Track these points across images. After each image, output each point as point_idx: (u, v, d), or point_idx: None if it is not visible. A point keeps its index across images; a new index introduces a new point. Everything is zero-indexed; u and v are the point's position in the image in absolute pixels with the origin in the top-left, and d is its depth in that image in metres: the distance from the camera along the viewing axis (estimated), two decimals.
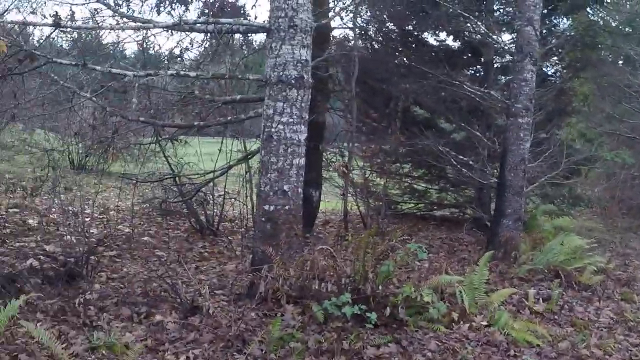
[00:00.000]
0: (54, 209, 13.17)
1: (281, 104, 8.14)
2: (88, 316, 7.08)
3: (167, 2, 12.48)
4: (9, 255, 9.38)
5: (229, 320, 6.88)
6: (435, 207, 17.03)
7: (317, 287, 7.36)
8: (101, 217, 13.62)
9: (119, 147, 13.93)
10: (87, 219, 11.90)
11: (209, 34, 10.68)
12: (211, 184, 12.66)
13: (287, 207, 8.25)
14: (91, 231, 11.45)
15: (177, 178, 12.80)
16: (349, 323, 7.05)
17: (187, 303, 7.48)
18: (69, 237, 10.06)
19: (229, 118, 11.13)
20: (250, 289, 7.99)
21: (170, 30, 9.86)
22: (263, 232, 8.30)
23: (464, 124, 13.72)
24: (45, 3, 38.30)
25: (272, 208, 8.23)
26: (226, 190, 13.45)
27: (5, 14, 11.87)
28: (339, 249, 8.04)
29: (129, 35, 12.67)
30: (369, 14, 15.15)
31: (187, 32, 10.68)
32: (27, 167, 18.81)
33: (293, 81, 8.12)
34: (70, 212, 11.29)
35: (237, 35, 12.15)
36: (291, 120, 8.17)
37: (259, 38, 15.03)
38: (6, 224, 11.41)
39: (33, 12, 15.76)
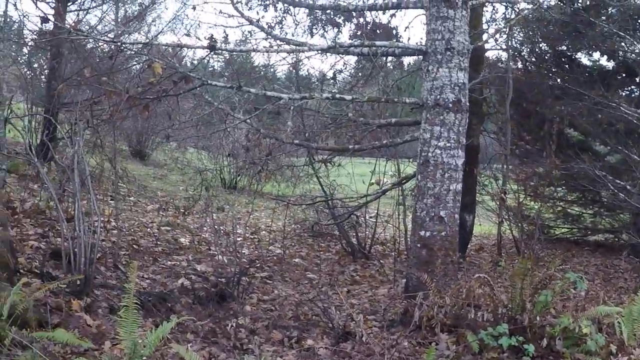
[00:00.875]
0: (205, 228, 13.40)
1: (438, 128, 8.06)
2: (239, 339, 7.10)
3: (320, 25, 12.59)
4: (161, 274, 9.58)
5: (382, 347, 6.78)
6: (589, 232, 16.50)
7: (472, 316, 7.18)
8: (252, 237, 13.81)
9: (272, 168, 14.06)
10: (238, 239, 12.06)
11: (362, 56, 10.71)
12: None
13: (443, 234, 8.15)
14: (243, 251, 11.58)
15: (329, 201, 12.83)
16: (505, 354, 6.83)
17: (339, 328, 7.42)
18: (220, 256, 10.18)
19: (384, 142, 11.08)
20: (404, 315, 7.87)
21: (324, 53, 9.93)
22: (418, 258, 8.22)
23: (621, 146, 13.26)
24: (199, 25, 39.36)
25: (427, 234, 8.14)
26: (378, 212, 13.39)
27: (159, 36, 12.20)
28: (494, 276, 7.86)
29: (283, 58, 12.79)
30: (521, 34, 14.91)
31: (341, 55, 10.74)
32: (180, 186, 19.26)
33: (450, 105, 8.03)
34: (222, 231, 11.45)
35: (389, 57, 12.15)
36: (448, 144, 8.07)
37: (410, 59, 14.99)
38: (158, 242, 11.67)
39: (187, 34, 16.23)
